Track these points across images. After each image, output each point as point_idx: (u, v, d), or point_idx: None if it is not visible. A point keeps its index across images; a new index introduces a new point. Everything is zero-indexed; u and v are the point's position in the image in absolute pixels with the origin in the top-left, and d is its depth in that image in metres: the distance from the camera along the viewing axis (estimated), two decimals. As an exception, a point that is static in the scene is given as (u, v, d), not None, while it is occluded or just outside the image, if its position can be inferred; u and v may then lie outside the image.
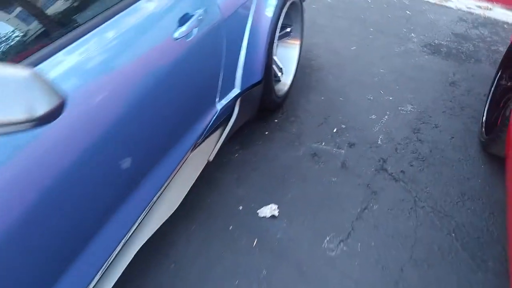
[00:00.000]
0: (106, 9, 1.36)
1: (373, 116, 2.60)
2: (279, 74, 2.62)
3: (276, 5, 2.15)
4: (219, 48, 1.84)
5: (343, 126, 2.52)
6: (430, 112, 2.67)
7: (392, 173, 2.20)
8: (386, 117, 2.61)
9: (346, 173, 2.20)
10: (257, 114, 2.41)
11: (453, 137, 2.47)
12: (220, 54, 1.86)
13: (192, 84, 1.74)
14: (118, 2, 1.41)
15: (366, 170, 2.22)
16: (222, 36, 1.82)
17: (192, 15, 1.60)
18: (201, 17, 1.62)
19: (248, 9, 2.01)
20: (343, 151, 2.34)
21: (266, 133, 2.46)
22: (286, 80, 2.65)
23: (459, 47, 3.48)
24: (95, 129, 1.17)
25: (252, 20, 2.03)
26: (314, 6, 3.99)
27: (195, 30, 1.61)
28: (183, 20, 1.56)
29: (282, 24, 2.53)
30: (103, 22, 1.32)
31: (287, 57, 2.70)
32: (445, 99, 2.81)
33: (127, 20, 1.40)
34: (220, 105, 2.00)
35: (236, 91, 2.09)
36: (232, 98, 2.08)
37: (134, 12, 1.43)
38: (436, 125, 2.56)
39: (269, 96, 2.38)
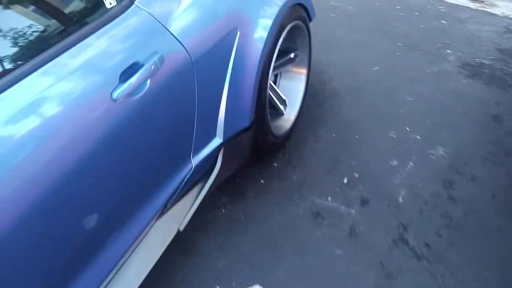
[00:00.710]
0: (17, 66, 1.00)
1: (395, 162, 2.13)
2: (282, 107, 2.18)
3: (270, 32, 1.71)
4: (188, 97, 1.43)
5: (356, 175, 2.06)
6: (467, 157, 2.17)
7: (413, 246, 1.74)
8: (411, 163, 2.13)
9: (355, 243, 1.76)
10: (251, 159, 1.99)
11: (494, 195, 1.97)
12: (191, 103, 1.45)
13: (151, 143, 1.35)
14: (31, 58, 1.03)
15: (380, 240, 1.77)
16: (192, 82, 1.41)
17: (142, 65, 1.19)
18: (155, 66, 1.21)
19: (232, 41, 1.58)
20: (353, 210, 1.89)
21: (262, 181, 2.03)
22: (289, 114, 2.21)
23: (505, 67, 2.93)
24: (25, 203, 0.96)
25: (236, 53, 1.60)
26: (333, 15, 3.51)
27: (148, 82, 1.21)
28: (129, 72, 1.16)
29: (285, 48, 2.10)
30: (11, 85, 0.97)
31: (292, 87, 2.26)
32: (487, 139, 2.30)
33: (44, 80, 1.02)
34: (196, 160, 1.60)
35: (217, 141, 1.68)
36: (213, 150, 1.67)
37: (56, 68, 1.05)
38: (473, 176, 2.06)
39: (264, 139, 1.95)
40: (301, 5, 2.04)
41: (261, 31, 1.69)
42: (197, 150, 1.60)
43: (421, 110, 2.49)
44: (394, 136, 2.30)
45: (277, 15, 1.75)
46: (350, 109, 2.49)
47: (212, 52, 1.48)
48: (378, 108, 2.50)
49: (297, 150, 2.20)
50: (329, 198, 1.95)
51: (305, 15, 2.11)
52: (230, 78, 1.60)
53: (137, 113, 1.20)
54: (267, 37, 1.69)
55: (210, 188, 1.70)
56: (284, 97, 2.21)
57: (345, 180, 2.04)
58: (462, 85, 2.73)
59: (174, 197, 1.56)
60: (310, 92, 2.55)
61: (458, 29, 3.39)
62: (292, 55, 2.17)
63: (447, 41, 3.21)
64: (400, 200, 1.94)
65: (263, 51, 1.69)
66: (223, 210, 1.89)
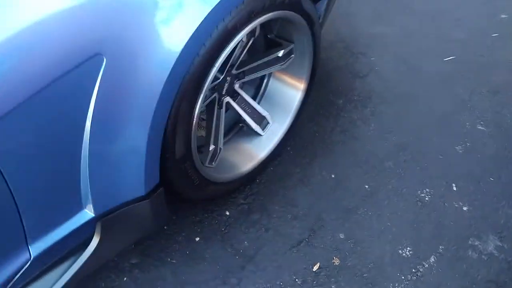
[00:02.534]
0: None
1: (407, 251, 1.36)
2: (257, 127, 1.46)
3: (184, 52, 0.94)
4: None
5: (336, 261, 1.34)
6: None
7: None
8: (433, 266, 1.35)
9: None
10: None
11: None
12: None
13: None
14: None
15: None
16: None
17: None
18: None
19: (88, 78, 0.87)
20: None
21: (197, 239, 1.42)
22: (267, 140, 1.47)
23: None
24: None
25: (102, 97, 0.89)
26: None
27: None
28: None
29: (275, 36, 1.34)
30: None
31: (278, 101, 1.48)
32: None
33: None
34: (40, 245, 1.04)
35: (86, 215, 1.07)
36: (80, 226, 1.08)
37: None
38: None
39: (193, 194, 1.30)
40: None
41: (164, 49, 0.93)
42: (39, 233, 1.02)
43: (494, 156, 1.58)
44: (427, 199, 1.48)
45: (212, 11, 0.96)
46: (377, 133, 1.66)
47: (34, 109, 0.81)
48: (422, 141, 1.63)
49: (267, 196, 1.50)
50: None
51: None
52: (92, 138, 0.93)
53: None
54: (178, 60, 0.94)
55: (81, 272, 1.14)
56: (264, 113, 1.46)
57: (316, 267, 1.34)
58: None
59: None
60: (329, 87, 1.75)
61: None
62: (280, 53, 1.36)
63: None
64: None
65: (168, 85, 0.95)
66: (125, 278, 1.35)
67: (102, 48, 0.85)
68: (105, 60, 0.86)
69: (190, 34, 0.94)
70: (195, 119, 1.09)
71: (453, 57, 1.91)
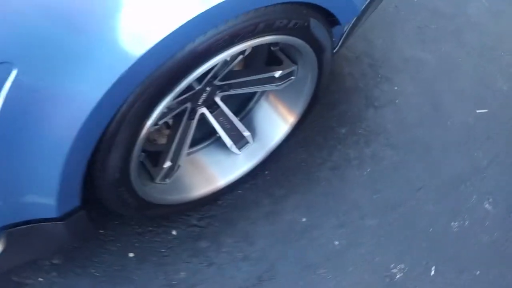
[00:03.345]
0: None
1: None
2: (232, 145, 1.24)
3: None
4: None
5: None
6: None
7: None
8: None
9: None
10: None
11: None
12: None
13: None
14: None
15: None
16: None
17: None
18: None
19: None
20: None
21: (131, 255, 1.25)
22: (234, 168, 1.26)
23: None
24: None
25: (8, 109, 0.69)
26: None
27: None
28: None
29: (276, 50, 1.11)
30: None
31: (260, 127, 1.25)
32: None
33: None
34: None
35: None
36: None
37: None
38: None
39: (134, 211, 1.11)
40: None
41: (103, 67, 0.71)
42: None
43: (490, 245, 1.35)
44: (398, 276, 1.28)
45: (180, 28, 0.72)
46: (370, 181, 1.43)
47: None
48: (418, 205, 1.40)
49: (224, 223, 1.31)
50: None
51: (315, 24, 0.96)
52: None
53: None
54: (120, 82, 0.72)
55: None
56: (244, 133, 1.24)
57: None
58: None
59: None
60: (335, 110, 1.52)
61: None
62: (276, 74, 1.11)
63: None
64: None
65: (102, 108, 0.74)
66: (40, 279, 1.19)
67: (13, 56, 0.62)
68: (15, 70, 0.64)
69: (142, 52, 0.71)
70: (136, 146, 0.88)
71: (487, 110, 1.63)
